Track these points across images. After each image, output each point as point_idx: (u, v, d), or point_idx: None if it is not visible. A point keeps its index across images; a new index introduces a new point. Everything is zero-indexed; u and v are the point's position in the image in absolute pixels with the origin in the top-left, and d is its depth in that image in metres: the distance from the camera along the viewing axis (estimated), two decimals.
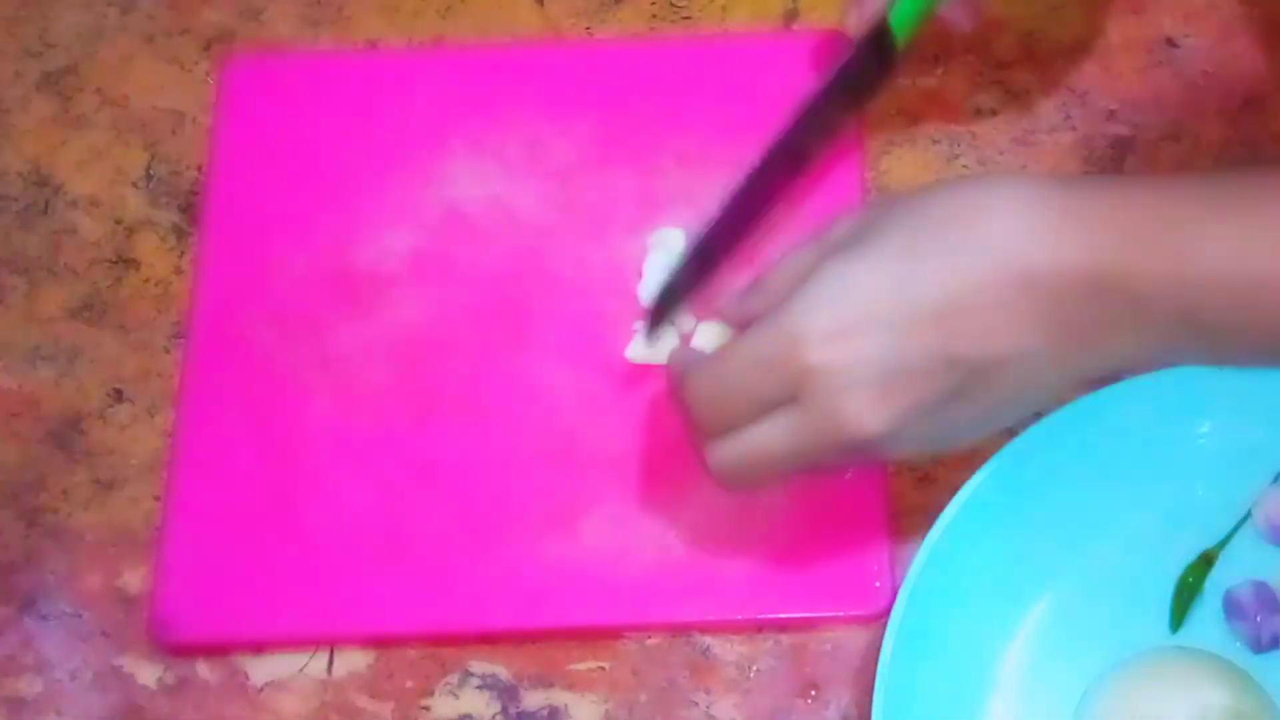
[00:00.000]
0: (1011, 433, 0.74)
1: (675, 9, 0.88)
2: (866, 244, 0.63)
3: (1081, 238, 0.61)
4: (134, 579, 0.76)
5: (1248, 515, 0.73)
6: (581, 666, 0.74)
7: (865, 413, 0.62)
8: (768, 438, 0.64)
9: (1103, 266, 0.61)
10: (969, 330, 0.62)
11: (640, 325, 0.77)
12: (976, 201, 0.63)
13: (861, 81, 0.77)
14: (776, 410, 0.64)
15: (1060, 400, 0.68)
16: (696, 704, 0.73)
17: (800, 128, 0.75)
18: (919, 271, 0.62)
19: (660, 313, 0.74)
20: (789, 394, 0.63)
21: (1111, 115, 0.84)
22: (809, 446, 0.64)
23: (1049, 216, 0.62)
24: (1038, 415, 0.73)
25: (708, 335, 0.78)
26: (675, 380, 0.68)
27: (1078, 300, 0.61)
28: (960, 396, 0.63)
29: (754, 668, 0.74)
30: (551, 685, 0.74)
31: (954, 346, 0.62)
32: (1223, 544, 0.73)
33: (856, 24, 0.75)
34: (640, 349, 0.78)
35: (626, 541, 0.75)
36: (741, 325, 0.68)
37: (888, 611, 0.69)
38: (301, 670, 0.74)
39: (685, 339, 0.76)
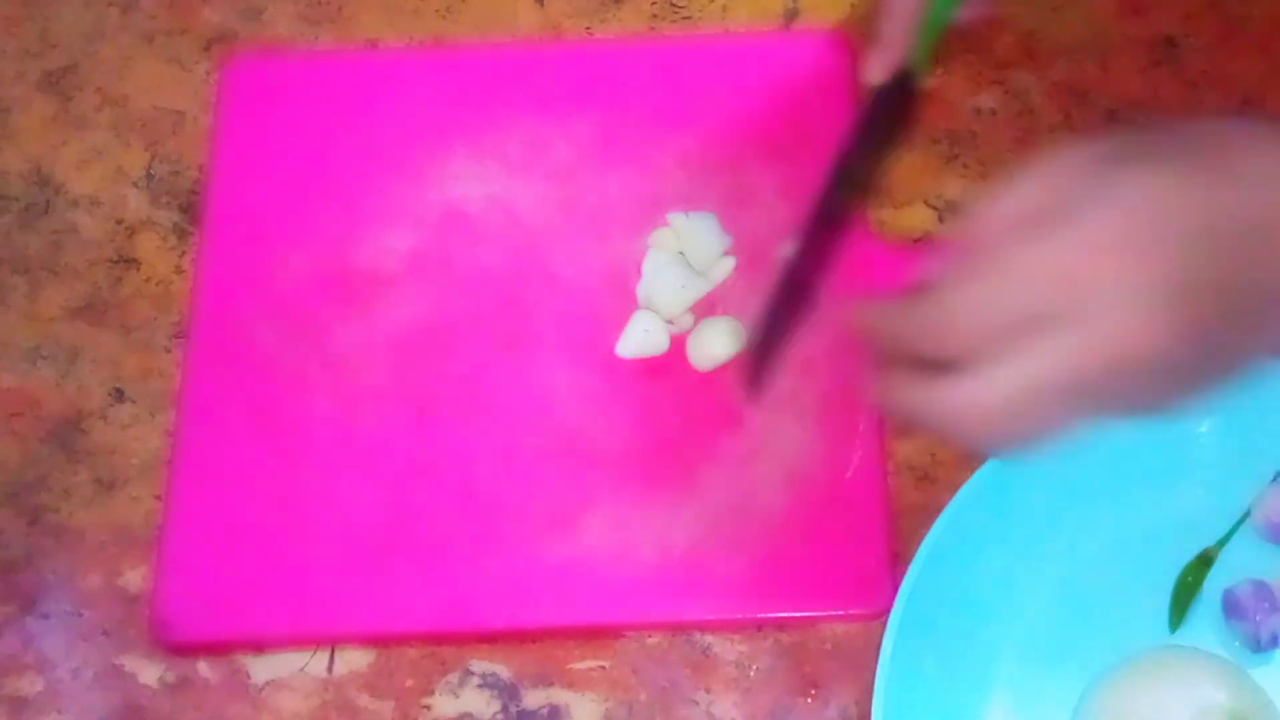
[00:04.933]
0: None
1: (675, 9, 0.88)
2: (1138, 163, 0.57)
3: None
4: (135, 578, 0.76)
5: (1247, 514, 0.74)
6: (582, 665, 0.74)
7: (1152, 328, 0.55)
8: (1032, 369, 0.55)
9: None
10: (1257, 258, 0.57)
11: (636, 321, 0.78)
12: (1240, 133, 0.59)
13: (891, 120, 0.74)
14: (1033, 336, 0.55)
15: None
16: (697, 703, 0.73)
17: (840, 182, 0.73)
18: (1203, 188, 0.57)
19: (755, 381, 0.72)
20: (1049, 314, 0.55)
21: (1111, 115, 0.84)
22: (1081, 374, 0.55)
23: None
24: None
25: (707, 335, 0.78)
26: (875, 325, 0.60)
27: None
28: (1237, 326, 0.57)
29: (754, 666, 0.74)
30: (552, 684, 0.74)
31: (1245, 272, 0.56)
32: (1222, 543, 0.73)
33: (879, 72, 0.72)
34: (631, 345, 0.78)
35: (626, 541, 0.75)
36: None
37: (888, 611, 0.70)
38: (302, 669, 0.74)
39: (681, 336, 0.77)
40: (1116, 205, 0.56)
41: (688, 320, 0.79)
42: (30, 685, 0.75)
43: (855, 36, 0.85)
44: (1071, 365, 0.55)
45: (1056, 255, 0.55)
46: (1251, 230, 0.57)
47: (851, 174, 0.73)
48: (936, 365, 0.57)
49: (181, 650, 0.75)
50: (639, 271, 0.80)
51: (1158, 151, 0.58)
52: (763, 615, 0.74)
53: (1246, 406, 0.73)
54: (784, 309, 0.72)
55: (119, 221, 0.84)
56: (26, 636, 0.76)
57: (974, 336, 0.56)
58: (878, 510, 0.75)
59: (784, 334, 0.72)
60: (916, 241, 0.81)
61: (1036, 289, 0.55)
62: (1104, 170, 0.57)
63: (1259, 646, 0.71)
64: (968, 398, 0.56)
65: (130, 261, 0.83)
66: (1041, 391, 0.55)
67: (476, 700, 0.74)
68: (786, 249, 0.72)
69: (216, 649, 0.75)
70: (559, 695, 0.74)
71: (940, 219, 0.82)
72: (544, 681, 0.74)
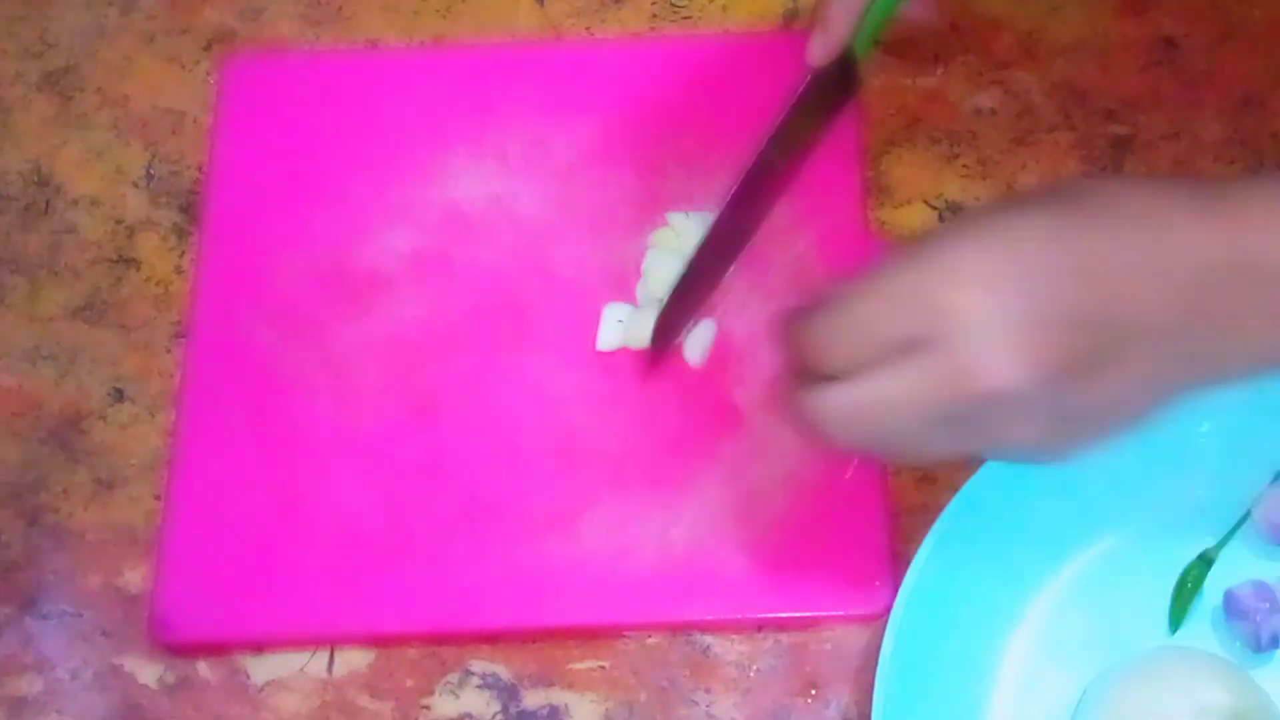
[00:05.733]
0: None
1: (675, 9, 0.88)
2: (1015, 206, 0.62)
3: (1235, 222, 0.60)
4: (134, 578, 0.76)
5: (1247, 515, 0.74)
6: (581, 666, 0.74)
7: (1003, 363, 0.58)
8: (889, 386, 0.60)
9: (1242, 250, 0.60)
10: (1118, 294, 0.59)
11: (609, 313, 0.79)
12: (1126, 184, 0.63)
13: (828, 101, 0.77)
14: (901, 357, 0.60)
15: (1185, 395, 0.63)
16: (697, 703, 0.73)
17: (770, 153, 0.76)
18: (1073, 231, 0.60)
19: (661, 340, 0.76)
20: (919, 338, 0.59)
21: (1111, 115, 0.84)
22: (932, 399, 0.60)
23: (1202, 201, 0.61)
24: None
25: (704, 334, 0.78)
26: (781, 325, 0.64)
27: (1225, 282, 0.60)
28: (1096, 367, 0.60)
29: (754, 667, 0.74)
30: (552, 684, 0.74)
31: (1101, 308, 0.59)
32: (1222, 544, 0.73)
33: (821, 53, 0.75)
34: (610, 338, 0.78)
35: (626, 541, 0.75)
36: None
37: (888, 611, 0.70)
38: (302, 670, 0.74)
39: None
40: (985, 242, 0.60)
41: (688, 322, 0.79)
42: (30, 685, 0.75)
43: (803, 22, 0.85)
44: (927, 388, 0.59)
45: (925, 285, 0.59)
46: (1093, 271, 0.59)
47: (781, 148, 0.75)
48: (825, 375, 0.61)
49: (181, 650, 0.75)
50: (639, 271, 0.80)
51: (1036, 200, 0.61)
52: (763, 615, 0.74)
53: (1247, 407, 0.73)
54: (699, 274, 0.75)
55: (119, 221, 0.84)
56: (26, 637, 0.76)
57: (850, 354, 0.60)
58: (878, 510, 0.75)
59: (696, 300, 0.77)
60: None
61: (905, 315, 0.59)
62: (984, 215, 0.61)
63: (1259, 647, 0.71)
64: (832, 402, 0.61)
65: (130, 261, 0.83)
66: (895, 407, 0.60)
67: (476, 700, 0.74)
68: (709, 216, 0.75)
69: (216, 649, 0.75)
70: (559, 695, 0.74)
71: (940, 218, 0.82)
72: (544, 682, 0.74)
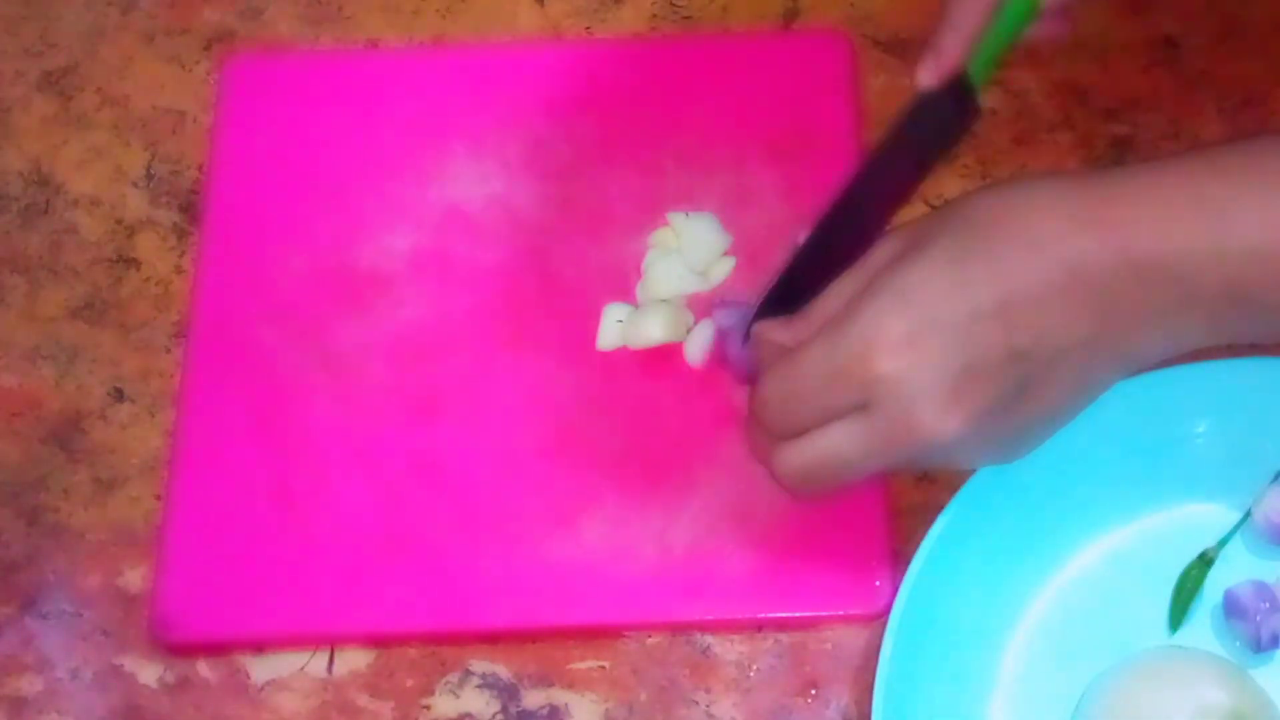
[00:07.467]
0: None
1: (675, 9, 0.88)
2: (918, 252, 0.64)
3: (1121, 224, 0.62)
4: (135, 578, 0.76)
5: (1247, 515, 0.74)
6: (582, 665, 0.74)
7: (938, 417, 0.63)
8: (839, 444, 0.65)
9: (1145, 250, 0.62)
10: (1027, 323, 0.63)
11: (609, 313, 0.78)
12: (1015, 201, 0.65)
13: (939, 128, 0.72)
14: (847, 417, 0.65)
15: (1109, 387, 0.67)
16: (697, 703, 0.73)
17: (868, 181, 0.71)
18: (972, 272, 0.63)
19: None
20: (859, 402, 0.64)
21: (1111, 115, 0.84)
22: (881, 453, 0.65)
23: (1088, 207, 0.63)
24: None
25: (704, 333, 0.78)
26: (747, 379, 0.70)
27: (1124, 285, 0.62)
28: (1025, 392, 0.64)
29: (754, 667, 0.74)
30: (552, 684, 0.74)
31: (1015, 340, 0.63)
32: (1222, 544, 0.73)
33: (929, 77, 0.70)
34: (610, 338, 0.78)
35: (626, 541, 0.75)
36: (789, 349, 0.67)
37: (888, 611, 0.70)
38: (302, 669, 0.74)
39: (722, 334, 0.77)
40: (897, 305, 0.63)
41: (688, 319, 0.79)
42: (30, 685, 0.75)
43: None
44: (873, 444, 0.64)
45: (854, 358, 0.63)
46: (1002, 306, 0.63)
47: (884, 171, 0.72)
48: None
49: (181, 650, 0.75)
50: (639, 271, 0.80)
51: (931, 241, 0.64)
52: (763, 615, 0.74)
53: (1247, 406, 0.73)
54: (785, 298, 0.71)
55: (119, 221, 0.84)
56: (26, 636, 0.76)
57: (801, 421, 0.65)
58: (878, 510, 0.75)
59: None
60: None
61: (843, 387, 0.64)
62: (889, 275, 0.64)
63: (1259, 646, 0.71)
64: (789, 461, 0.66)
65: (130, 261, 0.83)
66: (848, 461, 0.65)
67: (476, 700, 0.74)
68: (798, 236, 0.72)
69: (216, 649, 0.75)
70: (559, 695, 0.74)
71: None
72: (544, 681, 0.74)
